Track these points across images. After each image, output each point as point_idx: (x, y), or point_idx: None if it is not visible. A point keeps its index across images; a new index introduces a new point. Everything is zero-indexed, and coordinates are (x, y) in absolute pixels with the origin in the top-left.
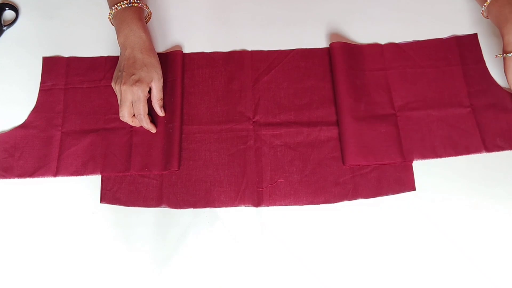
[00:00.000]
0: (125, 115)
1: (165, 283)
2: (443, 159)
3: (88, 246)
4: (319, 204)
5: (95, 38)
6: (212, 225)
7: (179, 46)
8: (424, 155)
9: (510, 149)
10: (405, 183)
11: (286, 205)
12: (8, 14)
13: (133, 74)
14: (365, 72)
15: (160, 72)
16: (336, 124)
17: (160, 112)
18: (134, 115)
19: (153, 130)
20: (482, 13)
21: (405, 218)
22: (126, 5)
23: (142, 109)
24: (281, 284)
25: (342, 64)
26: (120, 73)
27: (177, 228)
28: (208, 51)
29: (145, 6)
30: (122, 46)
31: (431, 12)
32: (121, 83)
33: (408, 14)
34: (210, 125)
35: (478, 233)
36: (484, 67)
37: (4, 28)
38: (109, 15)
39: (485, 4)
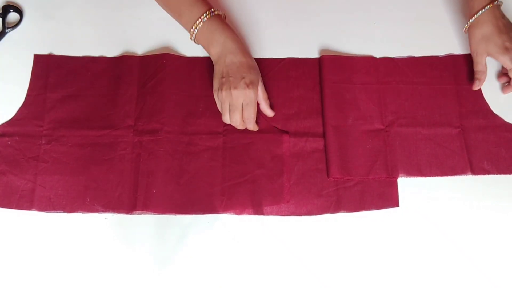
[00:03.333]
0: (238, 119)
1: (165, 283)
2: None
3: (88, 246)
4: (301, 215)
5: (98, 39)
6: (212, 225)
7: (168, 48)
8: (409, 173)
9: (496, 173)
10: (389, 199)
11: (267, 214)
12: (12, 16)
13: (243, 78)
14: (357, 85)
15: (260, 74)
16: (323, 136)
17: (270, 113)
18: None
19: (256, 128)
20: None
21: (405, 225)
22: (209, 15)
23: (253, 111)
24: (281, 284)
25: (330, 78)
26: (225, 79)
27: (177, 228)
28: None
29: (221, 11)
30: (220, 55)
31: (428, 29)
32: (230, 88)
33: (405, 31)
34: (181, 133)
35: (473, 239)
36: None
37: (7, 31)
38: (192, 33)
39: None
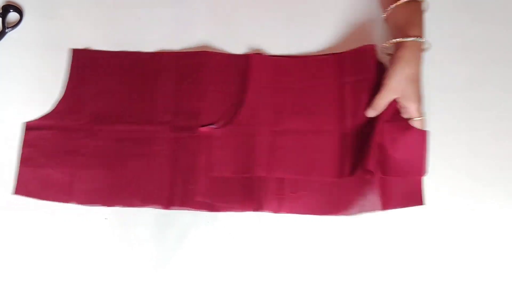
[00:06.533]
0: None
1: (165, 283)
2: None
3: (88, 246)
4: (317, 214)
5: (98, 39)
6: (212, 225)
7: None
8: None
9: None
10: (413, 198)
11: (289, 212)
12: (12, 16)
13: None
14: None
15: None
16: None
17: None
18: None
19: None
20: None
21: (411, 227)
22: None
23: None
24: (281, 284)
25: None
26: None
27: (177, 228)
28: None
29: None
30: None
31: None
32: None
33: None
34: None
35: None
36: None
37: (7, 30)
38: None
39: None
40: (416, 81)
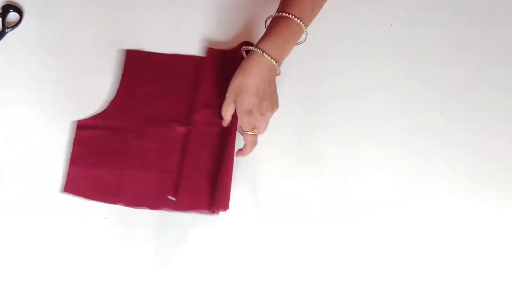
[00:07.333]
0: None
1: (165, 283)
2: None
3: (88, 246)
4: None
5: (98, 39)
6: (212, 225)
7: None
8: None
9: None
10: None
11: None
12: (12, 16)
13: None
14: None
15: None
16: None
17: None
18: None
19: None
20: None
21: (411, 227)
22: None
23: None
24: (280, 284)
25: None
26: None
27: (177, 228)
28: None
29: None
30: None
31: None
32: None
33: None
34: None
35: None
36: None
37: (7, 30)
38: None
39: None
40: (248, 94)
